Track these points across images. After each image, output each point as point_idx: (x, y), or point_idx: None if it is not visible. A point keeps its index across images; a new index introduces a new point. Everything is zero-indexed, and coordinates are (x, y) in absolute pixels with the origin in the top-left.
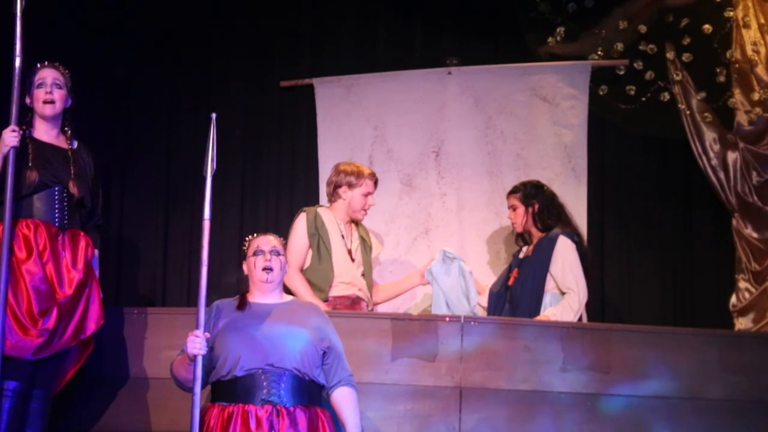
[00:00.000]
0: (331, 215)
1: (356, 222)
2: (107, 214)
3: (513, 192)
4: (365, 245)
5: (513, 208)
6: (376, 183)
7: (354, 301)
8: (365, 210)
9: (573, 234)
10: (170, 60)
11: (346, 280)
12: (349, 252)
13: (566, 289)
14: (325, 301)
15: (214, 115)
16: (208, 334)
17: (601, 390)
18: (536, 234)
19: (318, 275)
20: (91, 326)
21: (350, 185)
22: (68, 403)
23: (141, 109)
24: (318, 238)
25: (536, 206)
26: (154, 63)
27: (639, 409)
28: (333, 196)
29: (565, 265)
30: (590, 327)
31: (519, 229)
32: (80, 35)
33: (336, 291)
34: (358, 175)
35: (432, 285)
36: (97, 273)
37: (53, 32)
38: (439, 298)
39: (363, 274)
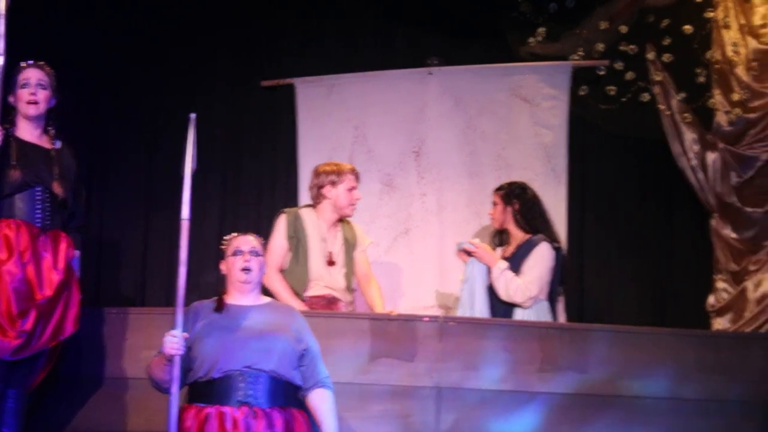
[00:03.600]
0: (314, 217)
1: (342, 221)
2: (88, 214)
3: (497, 189)
4: (349, 245)
5: (494, 204)
6: (357, 177)
7: (330, 301)
8: (353, 205)
9: (555, 242)
10: (152, 59)
11: (322, 283)
12: (330, 255)
13: (528, 281)
14: (302, 301)
15: (193, 116)
16: (186, 335)
17: (578, 390)
18: (516, 234)
19: (294, 277)
20: (70, 328)
21: (333, 183)
22: (46, 403)
23: (122, 108)
24: (297, 240)
25: (516, 206)
26: (136, 62)
27: (616, 409)
28: (318, 198)
29: (536, 266)
30: (568, 327)
31: (496, 225)
32: (62, 35)
33: (312, 291)
34: (339, 172)
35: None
36: (77, 274)
37: (36, 32)
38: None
39: (346, 275)
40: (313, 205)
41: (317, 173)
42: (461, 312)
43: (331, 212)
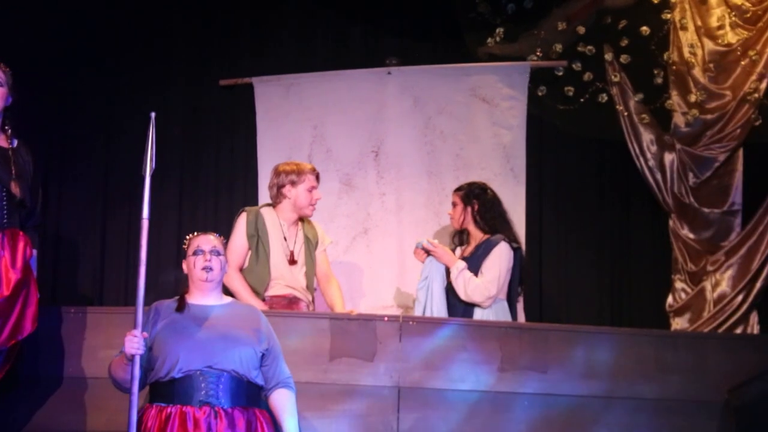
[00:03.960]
0: (274, 216)
1: (303, 220)
2: (45, 213)
3: (457, 190)
4: (309, 244)
5: (453, 204)
6: (317, 177)
7: (291, 301)
8: (313, 205)
9: (514, 242)
10: (109, 58)
11: (283, 282)
12: (291, 254)
13: (487, 281)
14: (262, 300)
15: (153, 114)
16: (146, 334)
17: (538, 390)
18: (476, 234)
19: (255, 277)
20: (28, 327)
21: (293, 183)
22: (4, 403)
23: (79, 107)
24: (257, 239)
25: (475, 206)
26: (93, 61)
27: (576, 409)
28: (277, 197)
29: (495, 265)
30: (528, 327)
31: (455, 226)
32: (18, 33)
33: (273, 290)
34: (299, 172)
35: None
36: (35, 273)
37: None
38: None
39: (306, 273)
40: (273, 205)
41: (277, 172)
42: (418, 311)
43: (291, 212)
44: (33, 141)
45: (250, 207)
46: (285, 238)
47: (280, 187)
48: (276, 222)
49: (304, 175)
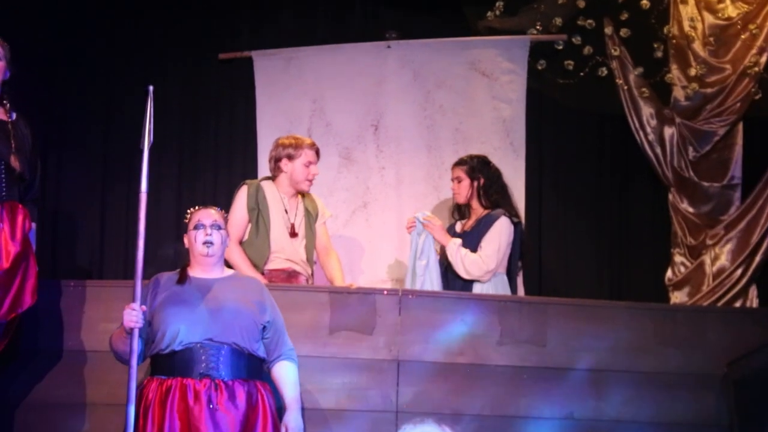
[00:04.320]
0: (274, 189)
1: (303, 194)
2: (44, 187)
3: (459, 164)
4: (310, 217)
5: (458, 180)
6: (317, 152)
7: (290, 275)
8: (309, 180)
9: (515, 217)
10: (108, 31)
11: (283, 256)
12: (292, 226)
13: (486, 255)
14: (262, 274)
15: (151, 88)
16: (145, 307)
17: (537, 363)
18: (477, 209)
19: (254, 250)
20: (28, 300)
21: (290, 157)
22: (2, 376)
23: (79, 81)
24: (257, 212)
25: (481, 181)
26: (92, 34)
27: (574, 382)
28: (275, 170)
29: (494, 239)
30: (527, 300)
31: (461, 201)
32: (16, 7)
33: (272, 264)
34: (297, 146)
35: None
36: (34, 246)
37: None
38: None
39: (306, 246)
40: (272, 178)
41: (276, 146)
42: (409, 284)
43: (288, 185)
44: (32, 115)
45: (251, 180)
46: (286, 211)
47: (278, 160)
48: (276, 195)
49: (302, 150)
